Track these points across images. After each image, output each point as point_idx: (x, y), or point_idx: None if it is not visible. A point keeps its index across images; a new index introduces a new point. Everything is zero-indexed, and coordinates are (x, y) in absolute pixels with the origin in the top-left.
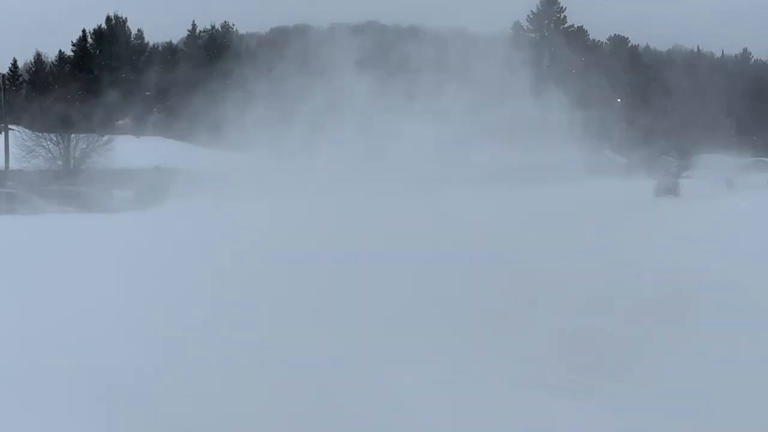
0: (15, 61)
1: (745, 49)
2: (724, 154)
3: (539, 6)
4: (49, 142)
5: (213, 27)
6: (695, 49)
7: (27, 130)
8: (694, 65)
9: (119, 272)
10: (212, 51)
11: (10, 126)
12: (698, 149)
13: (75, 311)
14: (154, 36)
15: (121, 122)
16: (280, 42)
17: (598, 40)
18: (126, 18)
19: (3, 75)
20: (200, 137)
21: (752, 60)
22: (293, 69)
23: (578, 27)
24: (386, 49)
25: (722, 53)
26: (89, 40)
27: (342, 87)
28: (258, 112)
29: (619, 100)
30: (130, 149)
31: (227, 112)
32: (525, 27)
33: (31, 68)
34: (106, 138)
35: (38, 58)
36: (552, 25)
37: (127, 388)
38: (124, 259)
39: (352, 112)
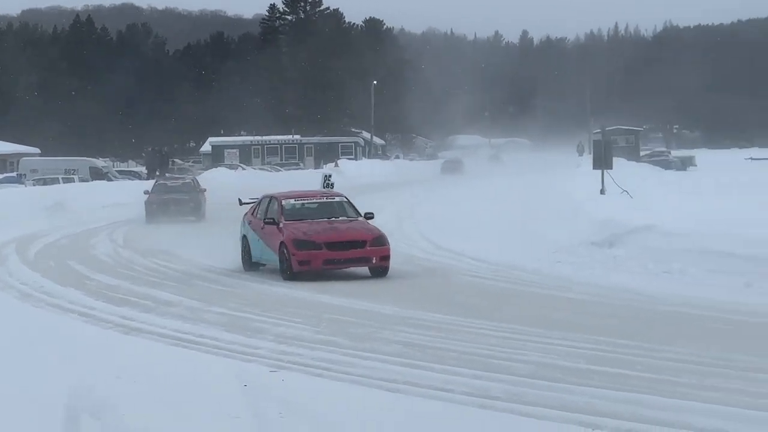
0: None
1: (497, 32)
2: (480, 135)
3: None
4: None
5: None
6: (449, 32)
7: None
8: (447, 47)
9: None
10: None
11: None
12: (451, 130)
13: None
14: None
15: None
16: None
17: (353, 23)
18: None
19: None
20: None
21: (503, 43)
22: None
23: (334, 9)
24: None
25: (475, 36)
26: None
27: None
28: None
29: (375, 82)
30: None
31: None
32: (281, 9)
33: None
34: None
35: None
36: (308, 8)
37: None
38: None
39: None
